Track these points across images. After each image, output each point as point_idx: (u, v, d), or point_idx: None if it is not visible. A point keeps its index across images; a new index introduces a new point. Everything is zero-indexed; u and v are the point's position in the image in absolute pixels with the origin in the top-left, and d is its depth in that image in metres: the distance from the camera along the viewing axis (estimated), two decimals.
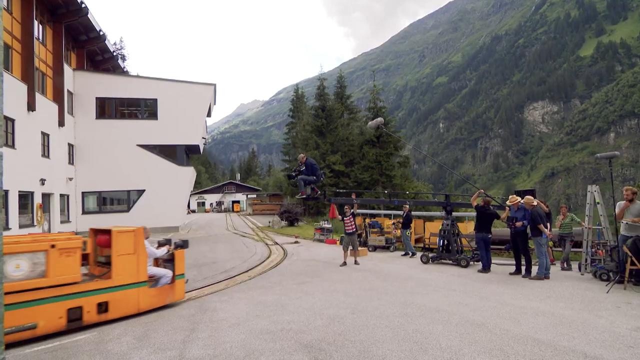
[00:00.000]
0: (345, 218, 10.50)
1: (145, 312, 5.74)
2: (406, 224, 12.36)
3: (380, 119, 11.59)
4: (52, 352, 4.27)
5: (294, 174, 9.44)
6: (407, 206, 12.33)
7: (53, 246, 4.84)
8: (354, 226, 10.45)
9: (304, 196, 9.39)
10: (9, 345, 4.42)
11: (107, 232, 5.65)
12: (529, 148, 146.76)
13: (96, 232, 6.00)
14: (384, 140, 33.72)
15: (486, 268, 8.85)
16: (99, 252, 6.00)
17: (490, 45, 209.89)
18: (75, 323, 5.02)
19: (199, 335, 4.63)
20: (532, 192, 9.16)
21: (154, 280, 5.99)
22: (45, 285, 4.75)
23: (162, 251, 6.23)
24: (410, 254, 11.91)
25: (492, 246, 9.49)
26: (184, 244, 6.48)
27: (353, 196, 12.29)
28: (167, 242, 6.50)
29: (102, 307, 5.29)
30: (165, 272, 6.10)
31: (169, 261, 6.35)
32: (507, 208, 8.88)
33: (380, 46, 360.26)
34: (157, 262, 6.35)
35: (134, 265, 5.61)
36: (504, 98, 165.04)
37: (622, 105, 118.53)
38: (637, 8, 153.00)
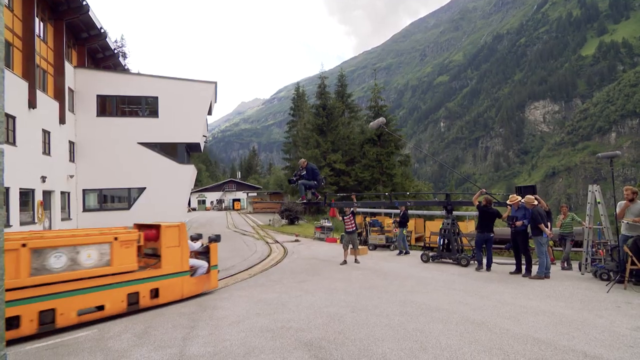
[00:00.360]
0: (345, 217, 10.50)
1: (188, 298, 6.33)
2: (403, 222, 12.38)
3: (382, 119, 11.62)
4: (53, 348, 4.28)
5: (294, 178, 9.50)
6: (404, 206, 12.35)
7: (116, 238, 5.40)
8: (354, 225, 10.46)
9: (305, 201, 9.49)
10: (85, 325, 5.04)
11: (154, 227, 6.23)
12: (529, 147, 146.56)
13: (140, 227, 6.39)
14: (385, 139, 33.69)
15: (481, 266, 8.88)
16: (143, 245, 6.41)
17: (492, 44, 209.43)
18: (133, 306, 5.57)
19: (199, 333, 4.64)
20: (532, 189, 9.15)
21: (192, 271, 6.52)
22: (110, 272, 5.33)
23: (198, 244, 6.89)
24: (404, 252, 11.97)
25: (493, 245, 9.48)
26: (217, 238, 7.07)
27: (353, 197, 12.32)
28: (199, 236, 7.08)
29: (154, 293, 5.84)
30: (202, 264, 6.68)
31: (203, 254, 6.92)
32: (509, 207, 8.88)
33: (382, 45, 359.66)
34: (191, 254, 6.77)
35: (179, 257, 6.22)
36: (505, 97, 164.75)
37: (623, 104, 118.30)
38: None
